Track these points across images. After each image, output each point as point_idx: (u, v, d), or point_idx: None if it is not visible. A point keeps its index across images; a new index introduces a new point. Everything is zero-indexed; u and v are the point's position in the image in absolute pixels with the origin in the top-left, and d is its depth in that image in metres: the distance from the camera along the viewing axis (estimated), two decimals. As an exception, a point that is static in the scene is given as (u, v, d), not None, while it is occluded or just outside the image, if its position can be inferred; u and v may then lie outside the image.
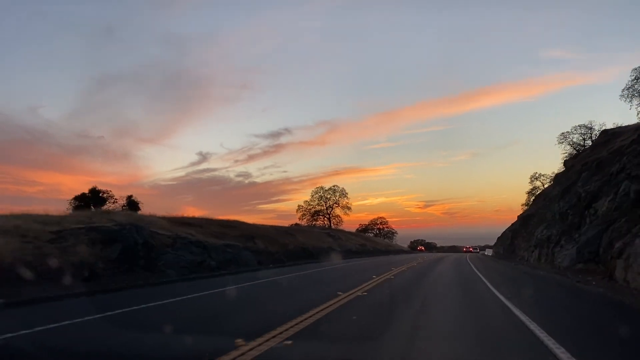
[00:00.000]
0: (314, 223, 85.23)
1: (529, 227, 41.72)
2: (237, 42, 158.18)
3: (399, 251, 77.29)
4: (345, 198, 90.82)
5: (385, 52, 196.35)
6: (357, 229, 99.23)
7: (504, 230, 62.96)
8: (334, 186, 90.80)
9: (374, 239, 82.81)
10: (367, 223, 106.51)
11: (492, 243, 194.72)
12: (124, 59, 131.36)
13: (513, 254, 44.13)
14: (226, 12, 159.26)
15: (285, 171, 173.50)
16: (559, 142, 57.38)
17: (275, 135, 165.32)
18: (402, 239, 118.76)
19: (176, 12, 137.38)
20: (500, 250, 57.25)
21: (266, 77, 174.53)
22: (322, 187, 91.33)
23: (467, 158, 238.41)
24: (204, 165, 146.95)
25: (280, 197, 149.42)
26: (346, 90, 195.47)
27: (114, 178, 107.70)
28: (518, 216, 57.63)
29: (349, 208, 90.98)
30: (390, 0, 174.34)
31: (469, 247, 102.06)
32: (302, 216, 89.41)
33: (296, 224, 75.33)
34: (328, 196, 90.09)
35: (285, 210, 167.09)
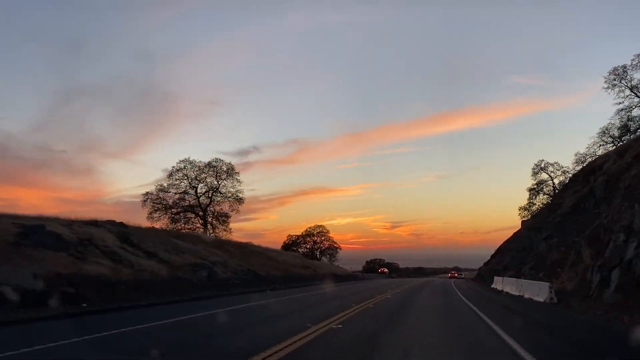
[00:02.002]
0: (179, 226, 54.09)
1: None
2: (207, 58, 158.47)
3: (338, 278, 50.78)
4: (237, 181, 57.21)
5: (356, 73, 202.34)
6: (285, 243, 77.14)
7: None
8: (216, 160, 56.64)
9: (288, 259, 51.91)
10: (296, 237, 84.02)
11: (460, 265, 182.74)
12: (91, 72, 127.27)
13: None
14: (196, 28, 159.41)
15: (253, 189, 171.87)
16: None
17: (244, 153, 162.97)
18: (358, 260, 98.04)
19: (146, 27, 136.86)
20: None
21: (235, 94, 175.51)
22: (188, 160, 55.46)
23: (433, 180, 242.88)
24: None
25: (248, 216, 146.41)
26: (316, 110, 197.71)
27: (76, 193, 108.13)
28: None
29: (239, 200, 56.99)
30: (362, 24, 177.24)
31: (454, 272, 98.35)
32: (154, 211, 54.07)
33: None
34: (202, 176, 55.79)
35: (253, 229, 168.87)
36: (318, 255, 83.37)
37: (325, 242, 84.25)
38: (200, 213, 56.48)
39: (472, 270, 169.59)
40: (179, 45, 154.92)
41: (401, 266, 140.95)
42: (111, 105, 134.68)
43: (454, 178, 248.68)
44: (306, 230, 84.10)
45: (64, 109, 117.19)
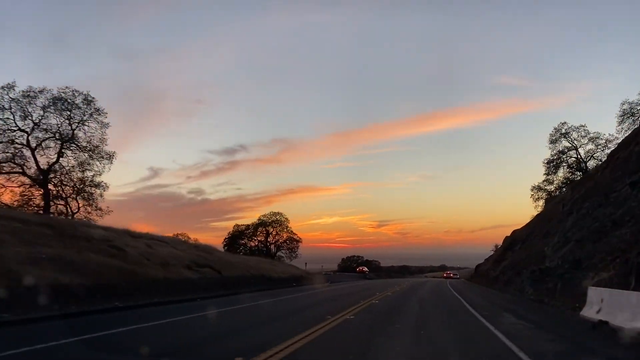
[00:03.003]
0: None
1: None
2: (192, 57, 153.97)
3: (268, 284, 30.75)
4: (101, 128, 35.00)
5: (342, 73, 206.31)
6: (225, 239, 59.30)
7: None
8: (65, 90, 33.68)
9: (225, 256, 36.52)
10: (245, 227, 65.23)
11: (447, 264, 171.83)
12: (75, 70, 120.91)
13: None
14: (181, 26, 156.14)
15: (239, 188, 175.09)
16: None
17: (230, 151, 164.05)
18: (330, 259, 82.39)
19: (129, 24, 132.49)
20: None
21: (222, 93, 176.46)
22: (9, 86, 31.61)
23: (419, 179, 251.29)
24: (155, 181, 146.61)
25: (234, 215, 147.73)
26: (303, 109, 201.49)
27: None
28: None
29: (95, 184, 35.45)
30: (350, 24, 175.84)
31: (449, 273, 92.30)
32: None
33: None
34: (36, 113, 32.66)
35: None
36: (274, 251, 64.80)
37: (283, 234, 65.76)
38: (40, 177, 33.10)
39: (460, 268, 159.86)
40: (163, 44, 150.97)
41: (386, 264, 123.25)
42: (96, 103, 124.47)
43: (440, 178, 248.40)
44: (259, 219, 65.62)
45: None
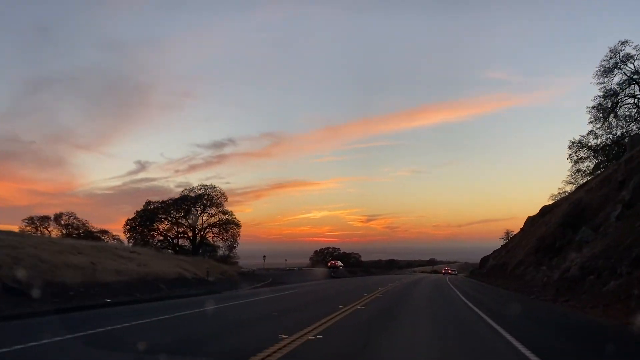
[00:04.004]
0: None
1: None
2: (181, 49, 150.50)
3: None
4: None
5: (331, 68, 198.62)
6: (139, 213, 42.13)
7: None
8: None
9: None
10: (160, 203, 47.40)
11: (436, 258, 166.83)
12: (60, 61, 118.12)
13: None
14: (170, 18, 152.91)
15: (228, 182, 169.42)
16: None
17: (219, 145, 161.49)
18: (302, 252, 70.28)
19: (116, 15, 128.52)
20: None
21: (210, 86, 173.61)
22: None
23: (408, 174, 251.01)
24: (142, 175, 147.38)
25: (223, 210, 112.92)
26: (291, 103, 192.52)
27: (47, 185, 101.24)
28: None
29: None
30: (340, 18, 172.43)
31: (447, 269, 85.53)
32: None
33: None
34: None
35: None
36: (202, 238, 46.73)
37: (218, 215, 48.04)
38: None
39: (451, 262, 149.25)
40: (151, 35, 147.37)
41: (374, 259, 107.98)
42: (81, 95, 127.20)
43: (429, 172, 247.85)
44: (182, 193, 47.83)
45: (33, 99, 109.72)
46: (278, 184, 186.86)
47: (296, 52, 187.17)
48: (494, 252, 54.35)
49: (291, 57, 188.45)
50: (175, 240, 46.50)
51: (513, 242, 47.54)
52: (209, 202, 46.53)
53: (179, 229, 46.49)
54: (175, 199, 46.81)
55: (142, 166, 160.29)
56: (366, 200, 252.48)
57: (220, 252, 48.19)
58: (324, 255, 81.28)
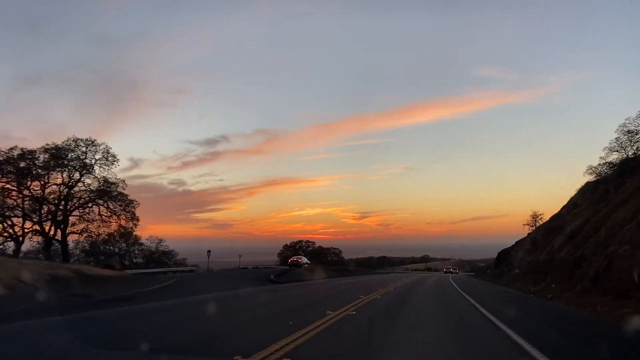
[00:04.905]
0: None
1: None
2: (174, 45, 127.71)
3: None
4: None
5: (324, 64, 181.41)
6: None
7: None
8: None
9: None
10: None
11: (430, 255, 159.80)
12: (51, 57, 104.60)
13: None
14: (163, 14, 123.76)
15: (221, 180, 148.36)
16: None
17: (212, 142, 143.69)
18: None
19: (108, 11, 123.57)
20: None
21: (203, 83, 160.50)
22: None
23: (401, 171, 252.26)
24: (135, 172, 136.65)
25: (217, 207, 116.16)
26: (285, 100, 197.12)
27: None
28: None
29: None
30: (334, 15, 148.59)
31: (449, 268, 78.70)
32: None
33: None
34: None
35: (221, 219, 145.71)
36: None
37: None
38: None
39: (444, 259, 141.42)
40: (144, 32, 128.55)
41: (367, 255, 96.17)
42: (72, 91, 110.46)
43: (423, 169, 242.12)
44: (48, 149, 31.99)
45: (23, 95, 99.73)
46: (272, 181, 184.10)
47: (290, 49, 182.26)
48: (517, 243, 39.58)
49: (285, 55, 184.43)
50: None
51: (572, 226, 29.04)
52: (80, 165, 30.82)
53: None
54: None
55: (134, 163, 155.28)
56: (360, 198, 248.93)
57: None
58: (294, 251, 65.87)
